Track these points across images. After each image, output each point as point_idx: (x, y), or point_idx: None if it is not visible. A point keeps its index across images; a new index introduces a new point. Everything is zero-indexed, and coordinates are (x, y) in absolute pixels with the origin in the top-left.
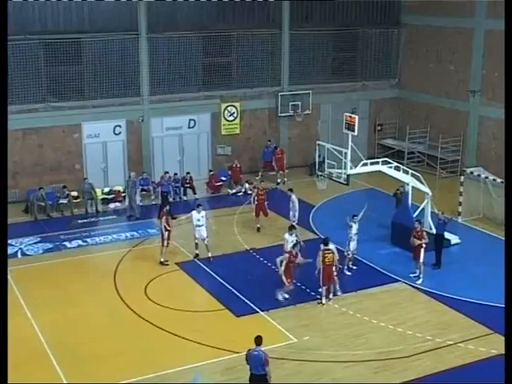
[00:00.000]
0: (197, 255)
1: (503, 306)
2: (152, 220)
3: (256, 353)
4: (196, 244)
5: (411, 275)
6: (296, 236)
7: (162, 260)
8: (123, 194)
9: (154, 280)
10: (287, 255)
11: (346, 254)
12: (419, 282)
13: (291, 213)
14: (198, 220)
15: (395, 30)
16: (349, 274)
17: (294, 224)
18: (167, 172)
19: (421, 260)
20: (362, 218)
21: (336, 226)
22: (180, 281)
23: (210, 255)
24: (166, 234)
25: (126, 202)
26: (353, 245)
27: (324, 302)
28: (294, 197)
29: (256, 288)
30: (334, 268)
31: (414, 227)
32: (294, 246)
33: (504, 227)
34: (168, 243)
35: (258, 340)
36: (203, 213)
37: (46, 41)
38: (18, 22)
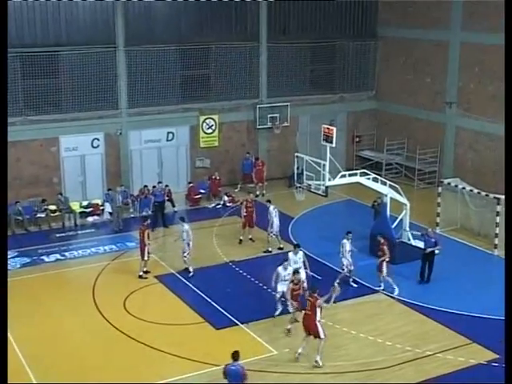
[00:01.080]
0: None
1: (481, 315)
2: (131, 233)
3: (234, 368)
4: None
5: (376, 288)
6: (301, 259)
7: (141, 274)
8: (101, 208)
9: (133, 293)
10: (290, 284)
11: (342, 270)
12: (395, 293)
13: (269, 225)
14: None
15: (372, 42)
16: (355, 285)
17: (297, 243)
18: (146, 185)
19: (384, 273)
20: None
21: (315, 238)
22: (159, 294)
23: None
24: (146, 248)
25: (105, 216)
26: (346, 261)
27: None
28: (271, 208)
29: (235, 300)
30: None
31: (379, 241)
32: (295, 272)
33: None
34: (149, 257)
35: (236, 355)
36: (187, 227)
37: (23, 54)
38: None
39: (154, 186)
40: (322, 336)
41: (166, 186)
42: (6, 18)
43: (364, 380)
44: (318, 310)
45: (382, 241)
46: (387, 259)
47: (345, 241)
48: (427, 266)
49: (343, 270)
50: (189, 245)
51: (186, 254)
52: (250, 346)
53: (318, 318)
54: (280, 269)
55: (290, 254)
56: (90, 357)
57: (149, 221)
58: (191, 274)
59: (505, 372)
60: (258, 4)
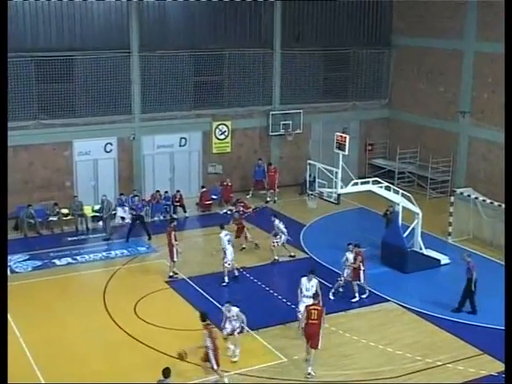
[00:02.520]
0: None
1: (493, 326)
2: (141, 238)
3: None
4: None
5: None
6: (314, 287)
7: (171, 274)
8: (113, 212)
9: (144, 298)
10: (304, 314)
11: (340, 279)
12: (354, 300)
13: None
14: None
15: (386, 50)
16: (332, 298)
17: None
18: (158, 190)
19: (362, 280)
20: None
21: (326, 245)
22: (169, 299)
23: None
24: (174, 249)
25: (117, 221)
26: (346, 272)
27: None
28: (277, 222)
29: (246, 307)
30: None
31: (358, 251)
32: (314, 297)
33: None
34: (177, 258)
35: (166, 372)
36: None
37: (38, 58)
38: (10, 40)
39: (133, 196)
40: (319, 347)
41: (178, 191)
42: (6, 18)
43: None
44: (323, 318)
45: (358, 251)
46: (363, 268)
47: (347, 253)
48: (468, 296)
49: (341, 280)
50: (225, 252)
51: (226, 261)
52: (260, 352)
53: (321, 328)
54: (304, 280)
55: (304, 280)
56: (100, 361)
57: (175, 222)
58: (224, 283)
59: (505, 372)
60: (272, 11)
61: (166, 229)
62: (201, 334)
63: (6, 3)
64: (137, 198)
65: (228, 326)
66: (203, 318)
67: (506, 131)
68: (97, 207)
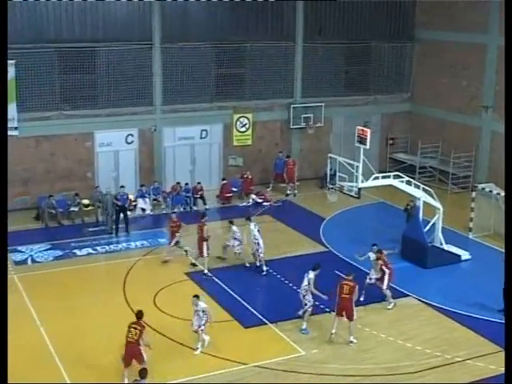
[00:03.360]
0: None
1: None
2: (162, 229)
3: None
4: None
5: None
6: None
7: (206, 272)
8: (134, 203)
9: (163, 289)
10: (337, 289)
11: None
12: (390, 306)
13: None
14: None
15: (408, 44)
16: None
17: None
18: (179, 182)
19: (384, 286)
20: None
21: (346, 239)
22: (189, 291)
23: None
24: (204, 244)
25: (138, 212)
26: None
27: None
28: (252, 226)
29: (265, 300)
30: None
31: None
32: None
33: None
34: (208, 253)
35: (142, 372)
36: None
37: (61, 49)
38: (33, 31)
39: (121, 186)
40: (354, 318)
41: (198, 183)
42: (6, 18)
43: None
44: (355, 294)
45: (382, 255)
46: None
47: (370, 253)
48: None
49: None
50: (259, 244)
51: (259, 253)
52: (278, 345)
53: (354, 300)
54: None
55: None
56: (119, 351)
57: (207, 217)
58: (264, 272)
59: (505, 370)
60: (294, 4)
61: (198, 223)
62: (223, 325)
63: (6, 3)
64: (122, 189)
65: (195, 321)
66: (139, 315)
67: (506, 131)
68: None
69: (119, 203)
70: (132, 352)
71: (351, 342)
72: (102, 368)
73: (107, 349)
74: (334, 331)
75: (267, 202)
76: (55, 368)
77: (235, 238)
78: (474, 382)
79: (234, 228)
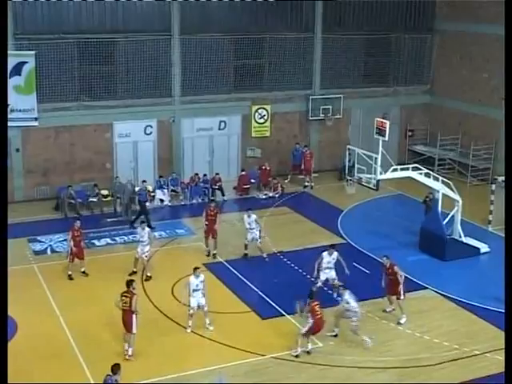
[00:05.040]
0: (245, 255)
1: None
2: (180, 220)
3: (109, 382)
4: (245, 245)
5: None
6: (335, 259)
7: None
8: (153, 194)
9: (181, 280)
10: (310, 320)
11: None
12: (402, 321)
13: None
14: (249, 224)
15: (429, 36)
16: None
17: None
18: (197, 173)
19: (401, 297)
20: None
21: (364, 231)
22: (207, 282)
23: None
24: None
25: (156, 202)
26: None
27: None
28: (253, 218)
29: (283, 291)
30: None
31: (383, 264)
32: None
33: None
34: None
35: (115, 368)
36: (254, 216)
37: (81, 40)
38: (53, 22)
39: (143, 181)
40: (402, 297)
41: (217, 174)
42: (6, 18)
43: (408, 377)
44: (399, 276)
45: (388, 264)
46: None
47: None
48: None
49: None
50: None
51: (258, 242)
52: (295, 337)
53: (400, 281)
54: (325, 254)
55: (325, 254)
56: (137, 341)
57: (215, 205)
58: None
59: (505, 372)
60: None
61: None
62: (241, 316)
63: (6, 3)
64: (144, 183)
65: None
66: (128, 284)
67: (506, 131)
68: (136, 189)
69: (141, 198)
70: (125, 319)
71: (399, 322)
72: (121, 357)
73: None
74: (389, 309)
75: (283, 193)
76: (74, 357)
77: (251, 229)
78: (472, 381)
79: (247, 219)
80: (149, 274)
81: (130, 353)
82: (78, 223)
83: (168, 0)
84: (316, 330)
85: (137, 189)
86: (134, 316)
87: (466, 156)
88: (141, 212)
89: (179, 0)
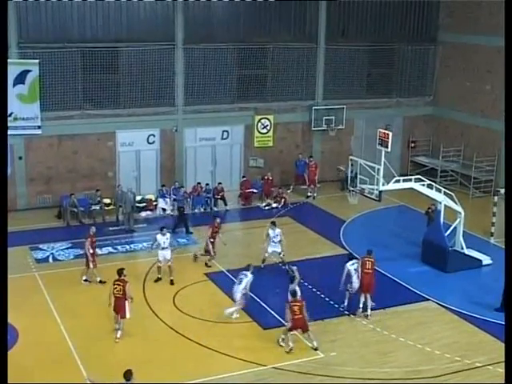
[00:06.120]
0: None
1: None
2: (182, 229)
3: None
4: (263, 259)
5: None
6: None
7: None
8: (155, 203)
9: (183, 290)
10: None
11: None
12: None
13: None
14: (275, 237)
15: (431, 47)
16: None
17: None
18: (199, 183)
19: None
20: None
21: (366, 242)
22: (208, 291)
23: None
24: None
25: (158, 212)
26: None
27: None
28: (277, 231)
29: (284, 301)
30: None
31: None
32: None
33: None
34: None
35: (127, 374)
36: (278, 230)
37: (84, 49)
38: (57, 31)
39: (175, 187)
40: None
41: (219, 183)
42: (6, 18)
43: None
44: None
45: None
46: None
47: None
48: None
49: None
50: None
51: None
52: (297, 347)
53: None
54: (270, 230)
55: (270, 231)
56: (137, 349)
57: (218, 220)
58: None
59: (505, 372)
60: (317, 5)
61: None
62: (242, 326)
63: (6, 3)
64: (182, 189)
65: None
66: (119, 272)
67: (506, 131)
68: (138, 198)
69: (180, 204)
70: (118, 306)
71: (368, 315)
72: (122, 366)
73: (126, 347)
74: (361, 305)
75: (286, 204)
76: (74, 366)
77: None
78: None
79: (272, 232)
80: (172, 278)
81: (118, 335)
82: (93, 229)
83: (172, 11)
84: (294, 327)
85: (138, 197)
86: (126, 302)
87: (469, 168)
88: (180, 218)
89: (183, 11)
